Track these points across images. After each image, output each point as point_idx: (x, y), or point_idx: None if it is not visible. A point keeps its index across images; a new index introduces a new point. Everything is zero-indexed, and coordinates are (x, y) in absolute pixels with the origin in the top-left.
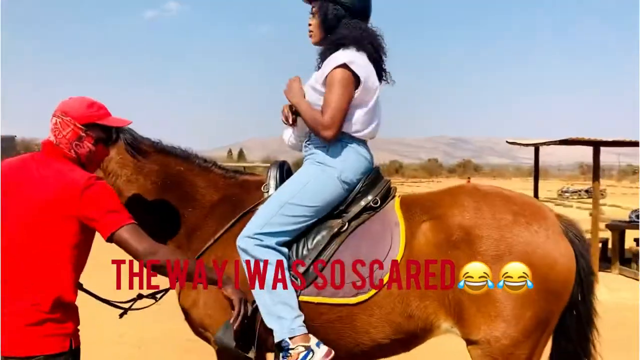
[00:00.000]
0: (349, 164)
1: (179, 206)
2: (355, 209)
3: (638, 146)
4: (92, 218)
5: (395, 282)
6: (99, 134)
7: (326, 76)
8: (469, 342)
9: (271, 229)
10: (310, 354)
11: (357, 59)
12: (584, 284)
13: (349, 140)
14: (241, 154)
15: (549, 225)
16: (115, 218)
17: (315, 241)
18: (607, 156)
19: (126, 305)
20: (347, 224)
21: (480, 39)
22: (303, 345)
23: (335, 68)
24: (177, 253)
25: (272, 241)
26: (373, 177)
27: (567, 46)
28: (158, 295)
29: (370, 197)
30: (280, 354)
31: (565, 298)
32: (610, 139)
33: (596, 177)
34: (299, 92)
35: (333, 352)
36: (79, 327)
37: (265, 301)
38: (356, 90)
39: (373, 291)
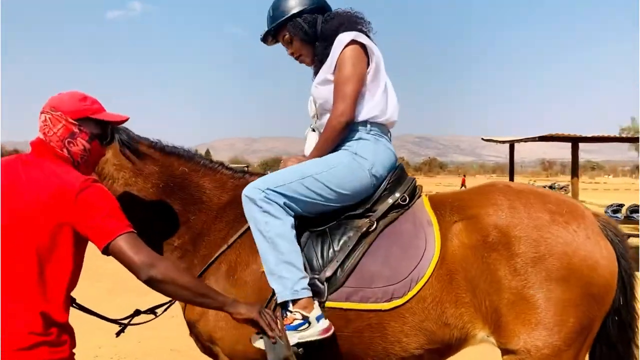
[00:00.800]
0: (380, 158)
1: (183, 210)
2: (382, 207)
3: (616, 142)
4: (87, 225)
5: (432, 287)
6: (93, 129)
7: (337, 61)
8: (506, 352)
9: (285, 191)
10: (306, 325)
11: (360, 35)
12: (626, 286)
13: (379, 134)
14: (207, 155)
15: (587, 224)
16: (112, 226)
17: (341, 242)
18: (566, 152)
19: (123, 321)
20: (375, 223)
21: (445, 38)
22: (302, 314)
23: (344, 48)
24: (182, 270)
25: (280, 200)
26: (398, 174)
27: (531, 45)
28: (159, 310)
29: (397, 195)
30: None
31: (608, 302)
32: (589, 135)
33: (575, 173)
34: (296, 158)
35: (332, 329)
36: (74, 351)
37: (269, 259)
38: (369, 68)
39: (409, 295)
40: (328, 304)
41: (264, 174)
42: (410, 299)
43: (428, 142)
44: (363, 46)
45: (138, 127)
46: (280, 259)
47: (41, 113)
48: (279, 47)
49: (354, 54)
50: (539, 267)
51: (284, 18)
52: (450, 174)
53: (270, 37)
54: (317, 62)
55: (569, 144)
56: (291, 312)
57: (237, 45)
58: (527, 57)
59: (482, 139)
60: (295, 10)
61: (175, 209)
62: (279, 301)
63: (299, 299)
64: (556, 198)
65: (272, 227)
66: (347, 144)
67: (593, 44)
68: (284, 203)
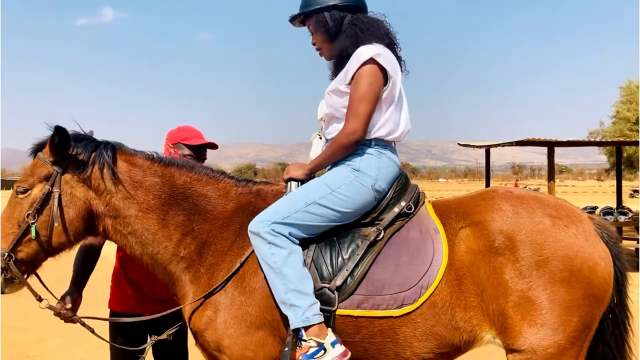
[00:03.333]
0: (383, 173)
1: (188, 220)
2: (389, 216)
3: (590, 145)
4: None
5: (442, 292)
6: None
7: (352, 76)
8: (511, 351)
9: (290, 221)
10: (322, 352)
11: (382, 52)
12: (620, 286)
13: (383, 146)
14: None
15: (585, 227)
16: None
17: (350, 250)
18: (534, 156)
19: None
20: (382, 231)
21: (416, 45)
22: (316, 341)
23: (362, 65)
24: None
25: (286, 231)
26: (403, 182)
27: (503, 53)
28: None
29: (403, 204)
30: (295, 343)
31: (606, 301)
32: (564, 140)
33: (551, 176)
34: (300, 164)
35: (349, 354)
36: None
37: (278, 288)
38: (385, 87)
39: (419, 302)
40: (339, 311)
41: (267, 182)
42: (421, 305)
43: (400, 147)
44: (381, 67)
45: (112, 135)
46: (290, 287)
47: None
48: (250, 55)
49: (372, 72)
50: (543, 270)
51: (311, 9)
52: (423, 178)
53: (297, 21)
54: (335, 62)
55: (537, 149)
56: (305, 340)
57: (209, 51)
58: (497, 64)
59: (459, 144)
60: (326, 4)
61: (179, 219)
62: (291, 328)
63: (311, 325)
64: (554, 203)
65: (278, 257)
66: (350, 158)
67: (574, 53)
68: (289, 233)
